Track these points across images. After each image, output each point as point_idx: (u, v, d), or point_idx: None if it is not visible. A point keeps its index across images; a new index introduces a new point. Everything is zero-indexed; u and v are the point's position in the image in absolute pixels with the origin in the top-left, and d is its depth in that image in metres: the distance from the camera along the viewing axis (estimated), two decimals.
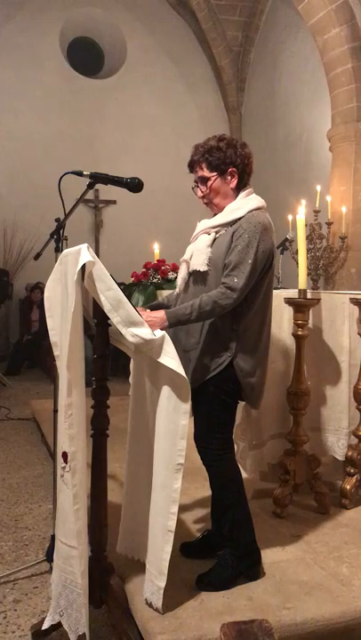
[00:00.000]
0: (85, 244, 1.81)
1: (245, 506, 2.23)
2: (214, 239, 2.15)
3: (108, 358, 2.02)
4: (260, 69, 8.74)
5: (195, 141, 2.27)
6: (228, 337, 2.10)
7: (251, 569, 2.20)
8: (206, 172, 2.18)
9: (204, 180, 2.20)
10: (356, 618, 1.98)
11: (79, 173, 2.21)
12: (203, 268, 2.11)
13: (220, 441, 2.18)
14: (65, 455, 1.87)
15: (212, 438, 2.17)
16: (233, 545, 2.19)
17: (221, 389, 2.12)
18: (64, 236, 2.39)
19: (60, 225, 2.37)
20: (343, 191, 5.90)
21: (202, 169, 2.19)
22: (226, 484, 2.20)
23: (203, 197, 2.24)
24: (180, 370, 1.86)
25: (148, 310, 2.14)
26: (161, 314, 2.04)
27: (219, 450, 2.17)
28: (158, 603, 1.93)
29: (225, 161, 2.16)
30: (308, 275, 5.22)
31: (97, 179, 2.22)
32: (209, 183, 2.19)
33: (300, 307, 2.75)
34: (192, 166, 2.24)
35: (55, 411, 2.29)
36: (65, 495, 1.89)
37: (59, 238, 2.37)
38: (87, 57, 9.34)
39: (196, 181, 2.24)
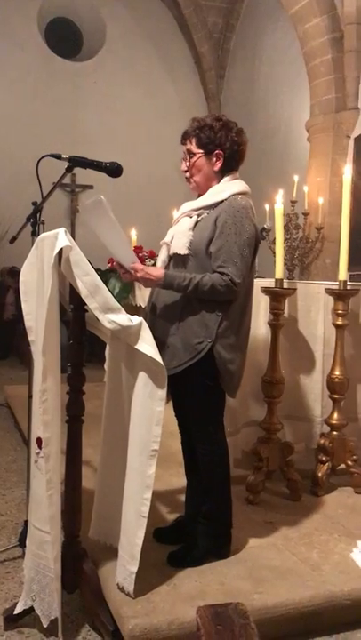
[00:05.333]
0: (63, 229, 1.79)
1: (229, 487, 2.26)
2: (196, 222, 2.15)
3: (84, 344, 2.00)
4: (240, 57, 8.69)
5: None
6: (211, 323, 2.08)
7: (222, 548, 2.24)
8: (194, 148, 2.19)
9: (190, 155, 2.21)
10: (325, 602, 2.02)
11: (57, 156, 2.18)
12: (183, 251, 2.11)
13: (211, 423, 2.21)
14: (39, 441, 1.86)
15: (203, 421, 2.20)
16: (207, 523, 2.23)
17: (204, 375, 2.11)
18: (41, 219, 2.36)
19: (37, 208, 2.33)
20: (320, 182, 5.93)
21: (191, 143, 2.20)
22: (215, 464, 2.23)
23: (185, 172, 2.25)
24: (157, 356, 1.86)
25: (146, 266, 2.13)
26: (159, 272, 2.06)
27: (212, 433, 2.21)
28: (130, 587, 1.94)
29: (214, 141, 2.16)
30: (284, 265, 5.23)
31: (75, 162, 2.19)
32: (193, 159, 2.20)
33: (277, 296, 2.77)
34: (184, 138, 2.24)
35: (30, 396, 2.27)
36: (38, 481, 1.88)
37: (35, 222, 2.33)
38: (65, 38, 9.16)
39: (184, 152, 2.24)
